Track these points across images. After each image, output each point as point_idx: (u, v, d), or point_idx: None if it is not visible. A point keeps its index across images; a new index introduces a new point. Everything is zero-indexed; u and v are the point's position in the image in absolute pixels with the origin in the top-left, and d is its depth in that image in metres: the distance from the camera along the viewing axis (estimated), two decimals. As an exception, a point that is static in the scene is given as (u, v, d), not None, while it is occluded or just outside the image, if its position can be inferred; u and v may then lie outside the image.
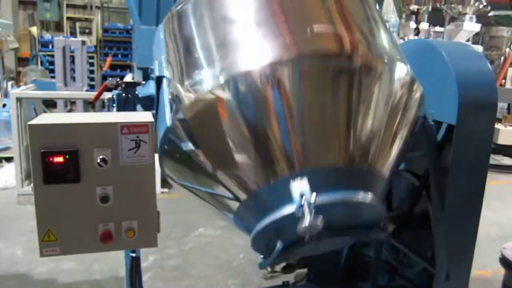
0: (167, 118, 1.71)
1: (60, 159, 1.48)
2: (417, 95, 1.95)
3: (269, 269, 1.85)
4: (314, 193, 1.52)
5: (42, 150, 1.47)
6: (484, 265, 4.26)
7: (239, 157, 1.62)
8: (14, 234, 4.57)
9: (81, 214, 1.55)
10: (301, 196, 1.52)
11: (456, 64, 2.25)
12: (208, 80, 1.62)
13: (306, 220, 1.46)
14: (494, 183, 7.04)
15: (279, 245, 1.69)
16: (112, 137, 1.55)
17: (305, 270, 3.63)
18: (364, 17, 1.88)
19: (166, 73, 1.90)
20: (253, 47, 1.64)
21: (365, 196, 1.69)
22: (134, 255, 2.06)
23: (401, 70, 1.84)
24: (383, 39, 1.87)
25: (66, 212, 1.53)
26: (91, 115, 1.71)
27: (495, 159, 9.15)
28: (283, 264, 1.84)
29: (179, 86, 1.74)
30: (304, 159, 1.62)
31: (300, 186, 1.55)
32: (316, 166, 1.63)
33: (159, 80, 1.93)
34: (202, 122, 1.64)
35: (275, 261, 1.75)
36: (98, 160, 1.53)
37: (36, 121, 1.52)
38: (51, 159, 1.47)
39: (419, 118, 2.07)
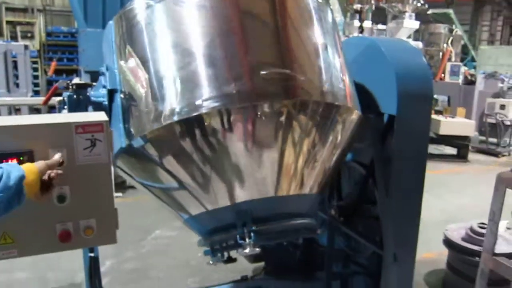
0: (122, 136, 1.82)
1: (14, 161, 1.48)
2: (353, 123, 2.09)
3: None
4: (254, 226, 1.82)
5: (-4, 153, 1.47)
6: (431, 248, 4.52)
7: (191, 184, 1.85)
8: (-40, 248, 4.38)
9: (38, 215, 1.56)
10: (243, 225, 1.82)
11: (395, 59, 2.40)
12: (165, 115, 1.70)
13: (246, 249, 1.79)
14: (438, 172, 7.44)
15: (220, 256, 1.99)
16: (67, 137, 1.56)
17: (262, 264, 3.73)
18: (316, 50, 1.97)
19: (119, 85, 1.93)
20: (206, 88, 1.70)
21: (297, 221, 2.00)
22: (92, 255, 2.06)
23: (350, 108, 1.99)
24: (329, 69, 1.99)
25: (22, 214, 1.53)
26: (45, 116, 1.71)
27: (438, 149, 9.68)
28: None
29: (135, 109, 1.82)
30: (248, 191, 1.85)
31: (242, 216, 1.84)
32: (258, 197, 1.87)
33: (111, 93, 1.97)
34: (156, 150, 1.80)
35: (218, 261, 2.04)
36: (54, 160, 1.54)
37: (-12, 124, 1.51)
38: (5, 161, 1.47)
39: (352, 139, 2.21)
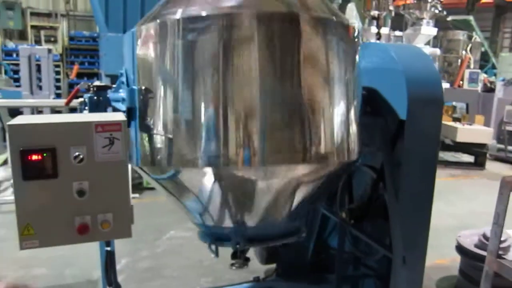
0: (136, 158, 1.98)
1: (38, 156, 1.58)
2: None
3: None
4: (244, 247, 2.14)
5: (21, 148, 1.57)
6: (443, 254, 4.52)
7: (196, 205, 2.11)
8: (-18, 243, 4.55)
9: (59, 208, 1.65)
10: (236, 244, 2.11)
11: (405, 64, 2.44)
12: (186, 157, 1.83)
13: (237, 263, 2.21)
14: (453, 179, 7.39)
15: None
16: (87, 135, 1.66)
17: (274, 265, 3.78)
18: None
19: (139, 103, 1.91)
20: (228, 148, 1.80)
21: (286, 239, 2.26)
22: (109, 249, 2.16)
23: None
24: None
25: (44, 207, 1.63)
26: (67, 115, 1.81)
27: (455, 156, 9.59)
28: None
29: (158, 137, 1.88)
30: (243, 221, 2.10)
31: (237, 237, 2.12)
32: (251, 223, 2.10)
33: (130, 111, 1.95)
34: (168, 182, 2.04)
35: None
36: (74, 157, 1.64)
37: (15, 121, 1.62)
38: (29, 156, 1.57)
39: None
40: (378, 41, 8.30)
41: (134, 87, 1.92)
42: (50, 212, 1.64)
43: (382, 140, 2.61)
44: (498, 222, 2.15)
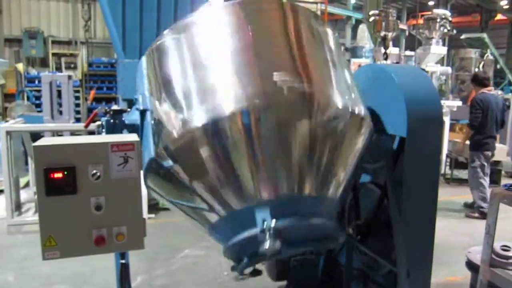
0: (151, 149, 2.01)
1: (60, 174, 1.75)
2: (365, 129, 2.24)
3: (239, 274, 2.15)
4: (274, 220, 1.87)
5: (45, 167, 1.73)
6: (455, 271, 4.52)
7: (213, 186, 1.96)
8: (5, 262, 4.71)
9: (78, 221, 1.81)
10: (263, 221, 1.87)
11: (404, 83, 2.56)
12: (189, 121, 1.89)
13: (267, 244, 1.83)
14: (466, 197, 7.35)
15: (245, 260, 2.03)
16: (104, 155, 1.82)
17: (285, 283, 3.84)
18: (324, 64, 2.19)
19: (149, 106, 2.17)
20: (226, 95, 1.91)
21: (316, 220, 2.05)
22: (123, 261, 2.29)
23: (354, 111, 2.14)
24: (340, 83, 2.18)
25: (65, 220, 1.78)
26: (86, 137, 1.98)
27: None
28: (251, 269, 2.22)
29: (163, 119, 2.02)
30: (267, 190, 1.95)
31: (262, 213, 1.90)
32: (277, 196, 1.96)
33: (143, 113, 2.22)
34: (182, 155, 1.93)
35: (244, 270, 2.09)
36: (92, 174, 1.80)
37: (39, 143, 1.79)
38: (52, 174, 1.74)
39: (366, 145, 2.35)
40: (385, 62, 8.42)
41: (146, 92, 2.19)
42: (70, 225, 1.79)
43: (384, 157, 2.71)
44: (490, 232, 2.22)
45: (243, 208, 1.98)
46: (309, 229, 2.07)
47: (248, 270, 2.08)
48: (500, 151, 8.76)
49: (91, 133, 4.63)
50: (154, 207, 6.31)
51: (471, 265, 3.86)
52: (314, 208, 2.08)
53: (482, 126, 6.56)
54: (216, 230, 2.18)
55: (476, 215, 6.64)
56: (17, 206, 6.03)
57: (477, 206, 6.67)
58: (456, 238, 5.61)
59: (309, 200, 2.05)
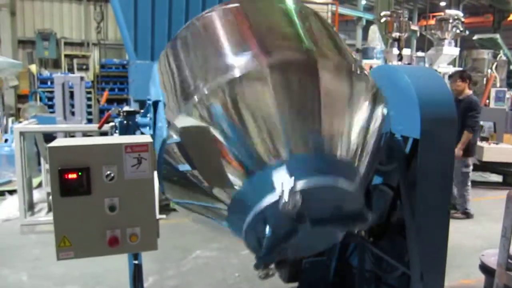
0: (164, 132, 1.93)
1: (74, 175, 1.76)
2: (379, 92, 2.21)
3: (262, 270, 1.84)
4: (293, 177, 1.65)
5: (59, 168, 1.75)
6: (469, 274, 4.47)
7: (224, 153, 1.78)
8: (19, 262, 4.76)
9: (92, 222, 1.82)
10: (282, 183, 1.64)
11: (417, 84, 2.54)
12: (199, 92, 1.84)
13: (285, 195, 1.58)
14: (481, 199, 7.28)
15: (268, 231, 1.73)
16: (118, 156, 1.83)
17: (296, 284, 3.83)
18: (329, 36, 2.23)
19: (161, 97, 2.20)
20: (230, 67, 1.86)
21: (345, 182, 1.81)
22: (136, 262, 2.30)
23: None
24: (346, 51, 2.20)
25: (79, 221, 1.80)
26: (100, 138, 1.99)
27: (483, 176, 9.43)
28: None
29: (175, 102, 2.02)
30: (284, 148, 1.76)
31: (280, 175, 1.68)
32: (296, 153, 1.76)
33: (155, 104, 2.26)
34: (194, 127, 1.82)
35: (268, 252, 1.77)
36: (106, 175, 1.81)
37: (54, 143, 1.81)
38: (66, 175, 1.75)
39: (387, 133, 2.32)
40: (399, 62, 8.37)
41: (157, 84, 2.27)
42: (84, 226, 1.80)
43: (397, 158, 2.69)
44: (506, 235, 2.19)
45: (258, 174, 1.75)
46: (334, 198, 1.83)
47: (271, 267, 1.77)
48: (512, 153, 8.67)
49: (103, 134, 4.68)
50: (165, 208, 6.33)
51: (485, 268, 3.83)
52: (340, 171, 1.86)
53: (476, 130, 6.53)
54: (233, 220, 1.90)
55: (461, 215, 6.72)
56: (30, 206, 6.08)
57: (464, 208, 6.74)
58: (469, 240, 5.55)
59: (334, 161, 1.85)
